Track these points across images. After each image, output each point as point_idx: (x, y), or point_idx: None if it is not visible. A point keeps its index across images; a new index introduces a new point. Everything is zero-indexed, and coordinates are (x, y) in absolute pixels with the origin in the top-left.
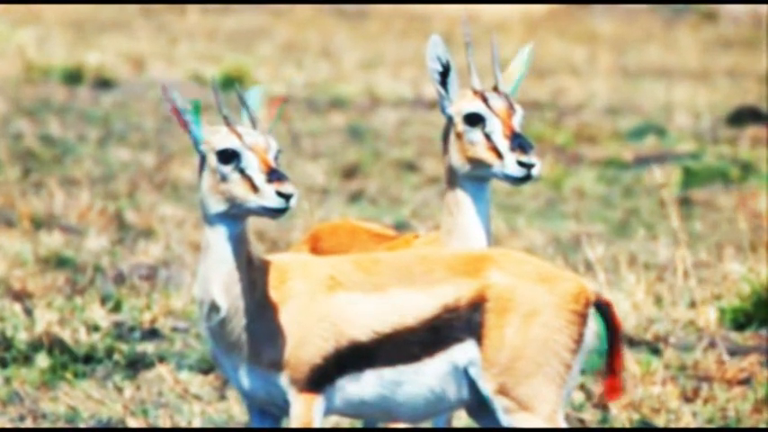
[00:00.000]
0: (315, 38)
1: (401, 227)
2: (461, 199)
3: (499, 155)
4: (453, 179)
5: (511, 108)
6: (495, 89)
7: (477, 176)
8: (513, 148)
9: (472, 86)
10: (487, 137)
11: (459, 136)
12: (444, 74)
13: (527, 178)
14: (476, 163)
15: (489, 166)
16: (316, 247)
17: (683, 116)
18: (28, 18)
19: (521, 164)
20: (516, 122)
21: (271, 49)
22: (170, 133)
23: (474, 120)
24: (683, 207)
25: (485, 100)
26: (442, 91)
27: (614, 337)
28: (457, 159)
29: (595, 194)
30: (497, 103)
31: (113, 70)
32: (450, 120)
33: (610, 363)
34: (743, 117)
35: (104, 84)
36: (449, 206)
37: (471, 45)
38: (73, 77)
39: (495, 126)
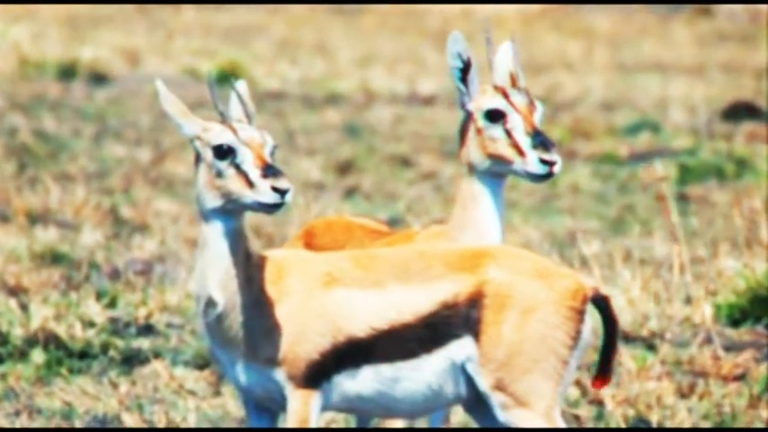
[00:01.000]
0: (310, 34)
1: (396, 222)
2: (478, 194)
3: (521, 152)
4: (471, 174)
5: (532, 104)
6: (515, 85)
7: (495, 172)
8: (534, 146)
9: (493, 82)
10: (509, 133)
11: (479, 132)
12: (465, 70)
13: (549, 176)
14: (496, 159)
15: (510, 162)
16: (310, 243)
17: (678, 112)
18: (23, 14)
19: (542, 161)
20: (537, 119)
21: (266, 45)
22: (165, 129)
23: (495, 116)
24: (679, 203)
25: (506, 96)
26: (463, 87)
27: (611, 331)
28: (476, 155)
29: (591, 190)
30: (518, 99)
31: (108, 66)
32: (469, 115)
33: (604, 356)
34: (738, 112)
35: (99, 79)
36: (464, 200)
37: (491, 42)
38: (68, 73)
39: (516, 122)
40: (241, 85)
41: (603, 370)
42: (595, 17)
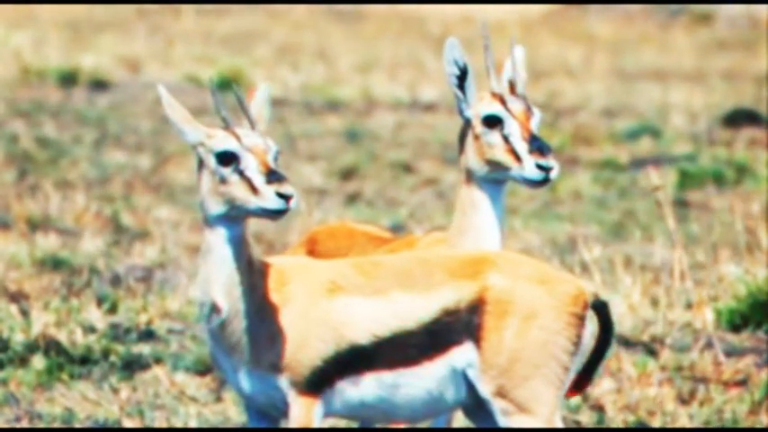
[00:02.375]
0: (310, 40)
1: (398, 229)
2: (477, 200)
3: (517, 157)
4: (470, 180)
5: (529, 110)
6: (513, 91)
7: (494, 179)
8: (531, 151)
9: (491, 88)
10: (506, 139)
11: (476, 138)
12: (462, 77)
13: (545, 181)
14: (494, 165)
15: (507, 168)
16: (313, 250)
17: (678, 118)
18: (23, 20)
19: (539, 167)
20: (534, 125)
21: (266, 50)
22: (166, 135)
23: (492, 122)
24: (679, 209)
25: (503, 102)
26: (460, 94)
27: (607, 337)
28: (474, 161)
29: (591, 196)
30: (516, 105)
31: (109, 72)
32: (468, 122)
33: (591, 362)
34: (739, 119)
35: (100, 85)
36: (463, 206)
37: (489, 48)
38: (68, 79)
39: (513, 128)
40: (263, 90)
41: (586, 376)
42: (595, 23)
